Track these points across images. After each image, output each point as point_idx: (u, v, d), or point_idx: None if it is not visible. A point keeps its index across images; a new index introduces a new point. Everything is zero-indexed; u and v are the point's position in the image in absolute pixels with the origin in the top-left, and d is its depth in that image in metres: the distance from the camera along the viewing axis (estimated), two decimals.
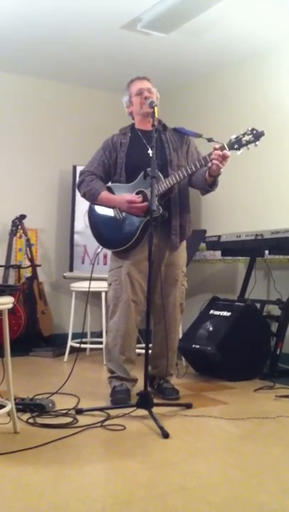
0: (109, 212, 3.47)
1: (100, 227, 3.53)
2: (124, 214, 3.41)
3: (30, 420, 2.90)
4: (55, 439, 2.59)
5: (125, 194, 3.38)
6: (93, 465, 2.37)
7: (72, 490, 2.08)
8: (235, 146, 3.11)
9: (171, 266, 3.46)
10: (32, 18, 4.37)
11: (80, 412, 3.05)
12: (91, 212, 3.58)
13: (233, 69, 5.22)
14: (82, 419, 2.93)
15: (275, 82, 4.79)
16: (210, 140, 3.20)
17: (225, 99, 5.34)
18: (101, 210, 3.51)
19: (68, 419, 2.93)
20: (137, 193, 3.39)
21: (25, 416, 2.96)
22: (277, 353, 4.13)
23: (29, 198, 5.62)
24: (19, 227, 5.28)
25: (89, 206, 3.59)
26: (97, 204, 3.50)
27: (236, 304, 4.32)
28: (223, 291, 5.06)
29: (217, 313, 4.31)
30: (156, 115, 3.25)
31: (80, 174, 3.58)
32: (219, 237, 4.61)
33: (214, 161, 3.13)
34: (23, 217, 5.29)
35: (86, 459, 2.42)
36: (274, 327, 4.30)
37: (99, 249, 3.63)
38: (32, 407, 3.03)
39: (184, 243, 3.58)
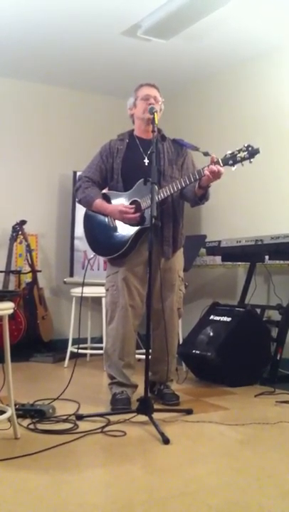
0: (103, 219, 3.49)
1: (93, 234, 3.56)
2: (116, 222, 3.43)
3: (31, 426, 2.90)
4: (56, 445, 2.59)
5: (118, 204, 3.41)
6: (93, 470, 2.37)
7: (72, 495, 2.08)
8: (230, 162, 3.13)
9: (168, 271, 3.47)
10: (32, 23, 4.38)
11: (80, 417, 3.04)
12: (86, 219, 3.60)
13: (233, 72, 5.24)
14: (83, 425, 2.92)
15: (276, 85, 4.81)
16: (206, 154, 3.21)
17: (226, 103, 5.35)
18: (95, 217, 3.53)
19: (69, 425, 2.92)
20: (131, 203, 3.40)
21: (26, 422, 2.96)
22: (278, 358, 4.13)
23: (29, 203, 5.63)
24: (19, 232, 5.28)
25: (84, 212, 3.61)
26: (92, 211, 3.52)
27: (236, 309, 4.32)
28: (223, 296, 5.06)
29: (217, 318, 4.31)
30: (157, 122, 3.26)
31: (78, 180, 3.61)
32: (219, 242, 4.62)
33: (206, 173, 3.14)
34: (23, 222, 5.30)
35: (86, 465, 2.42)
36: (274, 332, 4.29)
37: (91, 256, 3.66)
38: (32, 413, 3.03)
39: (181, 249, 3.59)
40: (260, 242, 4.21)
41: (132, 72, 5.18)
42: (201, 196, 3.34)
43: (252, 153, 3.09)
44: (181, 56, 4.99)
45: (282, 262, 4.53)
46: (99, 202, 3.46)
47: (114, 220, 3.44)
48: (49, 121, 5.82)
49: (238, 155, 3.11)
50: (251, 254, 4.39)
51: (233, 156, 3.13)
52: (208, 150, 3.25)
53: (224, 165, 3.14)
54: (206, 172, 3.14)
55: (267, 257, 4.43)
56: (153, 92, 3.49)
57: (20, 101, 5.67)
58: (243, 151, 3.10)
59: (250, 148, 3.09)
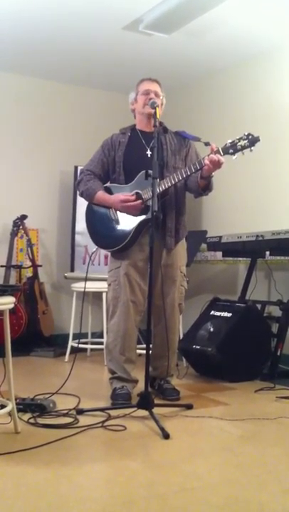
0: (105, 212, 3.49)
1: (95, 227, 3.56)
2: (118, 214, 3.43)
3: (31, 420, 2.90)
4: (56, 439, 2.60)
5: (119, 194, 3.40)
6: (94, 465, 2.37)
7: (72, 490, 2.09)
8: (230, 151, 3.12)
9: (170, 267, 3.47)
10: (33, 18, 4.37)
11: (80, 412, 3.05)
12: (88, 212, 3.61)
13: (234, 69, 5.22)
14: (83, 420, 2.93)
15: (277, 83, 4.80)
16: (207, 144, 3.21)
17: (226, 99, 5.34)
18: (98, 209, 3.53)
19: (69, 420, 2.93)
20: (133, 195, 3.40)
21: (26, 416, 2.96)
22: (278, 354, 4.13)
23: (30, 198, 5.62)
24: (20, 227, 5.28)
25: (87, 206, 3.62)
26: (94, 204, 3.52)
27: (237, 304, 4.32)
28: (224, 291, 5.06)
29: (218, 314, 4.31)
30: (158, 116, 3.25)
31: (80, 173, 3.63)
32: (220, 237, 4.61)
33: (206, 163, 3.14)
34: (24, 217, 5.29)
35: (86, 459, 2.43)
36: (275, 328, 4.30)
37: (94, 249, 3.66)
38: (33, 407, 3.04)
39: (184, 244, 3.59)
40: (261, 238, 4.20)
41: (133, 67, 5.17)
42: (204, 187, 3.34)
43: (252, 141, 3.08)
44: (183, 52, 4.97)
45: (283, 257, 4.53)
46: (100, 194, 3.46)
47: (117, 212, 3.44)
48: (50, 117, 5.80)
49: (239, 143, 3.10)
50: (252, 249, 4.39)
51: (233, 144, 3.12)
52: (205, 148, 3.25)
53: (224, 154, 3.13)
54: (206, 161, 3.14)
55: (268, 252, 4.43)
56: (153, 87, 3.49)
57: (22, 96, 5.65)
58: (244, 140, 3.09)
59: (250, 137, 3.09)
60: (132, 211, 3.36)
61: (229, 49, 4.88)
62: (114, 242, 3.43)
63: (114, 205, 3.41)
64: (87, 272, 3.57)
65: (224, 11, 4.12)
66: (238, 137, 3.12)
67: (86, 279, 3.62)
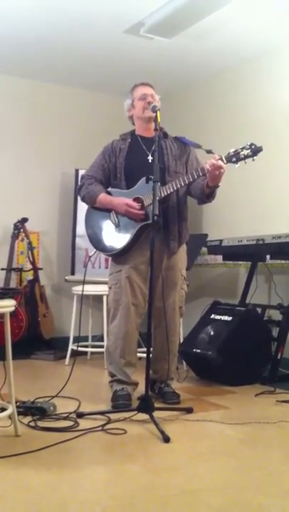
0: (105, 216, 3.50)
1: (95, 230, 3.56)
2: (119, 218, 3.44)
3: (32, 423, 2.90)
4: (56, 443, 2.60)
5: (125, 198, 3.41)
6: (94, 468, 2.37)
7: (72, 493, 2.09)
8: (233, 159, 3.14)
9: (171, 269, 3.47)
10: (35, 21, 4.38)
11: (81, 415, 3.05)
12: (88, 216, 3.61)
13: (235, 72, 5.23)
14: (83, 423, 2.93)
15: (278, 84, 4.80)
16: (209, 152, 3.23)
17: (227, 102, 5.35)
18: (98, 213, 3.54)
19: (69, 423, 2.93)
20: (134, 200, 3.41)
21: (27, 419, 2.96)
22: (278, 357, 4.13)
23: (31, 201, 5.63)
24: (21, 230, 5.28)
25: (87, 209, 3.62)
26: (96, 207, 3.53)
27: (237, 308, 4.32)
28: (224, 295, 5.06)
29: (218, 317, 4.31)
30: (159, 120, 3.26)
31: (81, 179, 3.63)
32: (221, 241, 4.62)
33: (207, 167, 3.16)
34: (25, 220, 5.30)
35: (87, 463, 2.43)
36: (275, 332, 4.29)
37: (92, 253, 3.67)
38: (33, 411, 3.04)
39: (184, 247, 3.60)
40: (261, 242, 4.21)
41: (134, 71, 5.18)
42: (209, 195, 3.35)
43: (255, 151, 3.09)
44: (184, 55, 4.98)
45: (283, 261, 4.53)
46: (103, 196, 3.47)
47: (118, 215, 3.44)
48: (51, 120, 5.81)
49: (242, 152, 3.12)
50: (252, 253, 4.39)
51: (236, 153, 3.13)
52: (210, 148, 3.26)
53: (227, 162, 3.15)
54: (207, 166, 3.15)
55: (268, 256, 4.43)
56: (149, 91, 3.52)
57: (22, 99, 5.67)
58: (246, 149, 3.11)
59: (253, 147, 3.10)
60: (134, 217, 3.37)
61: (230, 51, 4.90)
62: (113, 246, 3.44)
63: (119, 206, 3.41)
64: (84, 275, 3.58)
65: (225, 14, 4.13)
66: (241, 146, 3.13)
67: (84, 282, 3.62)
